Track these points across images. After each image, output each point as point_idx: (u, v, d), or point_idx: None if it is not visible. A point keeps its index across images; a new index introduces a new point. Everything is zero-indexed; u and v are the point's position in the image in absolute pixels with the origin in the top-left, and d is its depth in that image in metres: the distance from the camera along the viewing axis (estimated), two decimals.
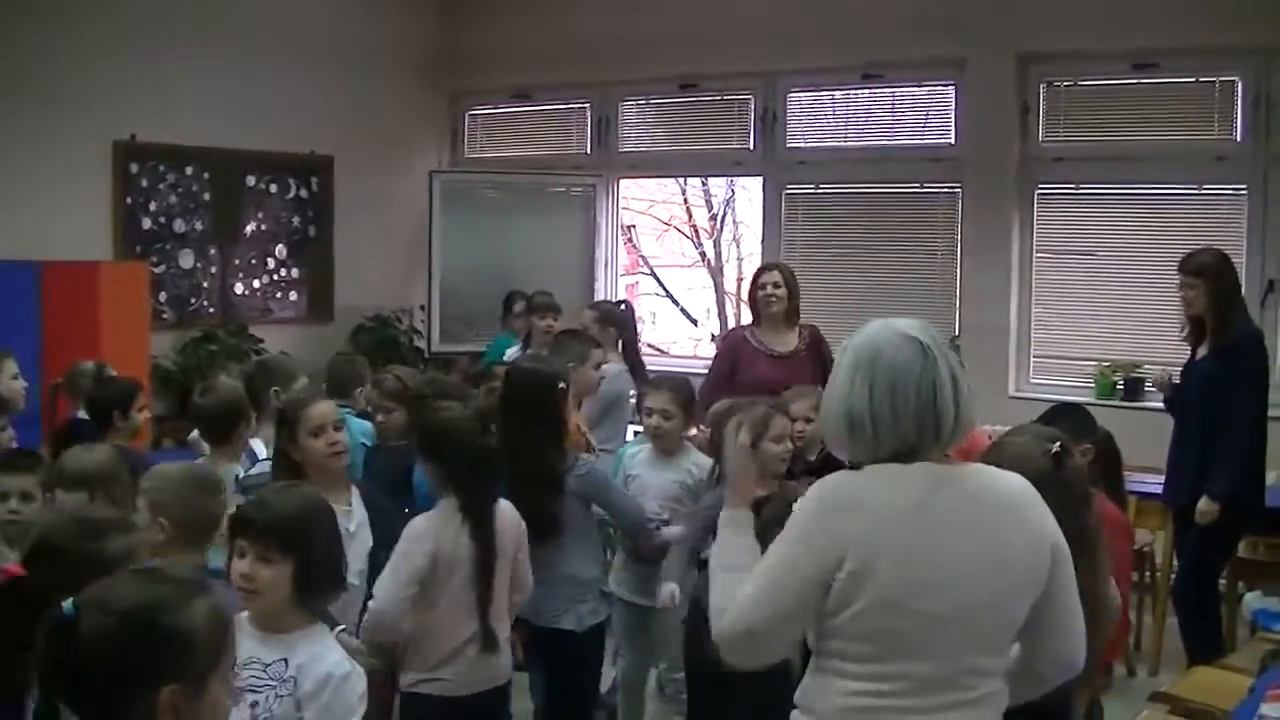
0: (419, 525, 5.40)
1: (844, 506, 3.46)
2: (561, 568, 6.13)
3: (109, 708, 2.59)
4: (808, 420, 6.56)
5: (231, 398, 6.86)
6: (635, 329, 10.02)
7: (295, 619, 4.06)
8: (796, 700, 3.59)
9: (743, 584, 3.51)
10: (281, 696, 3.97)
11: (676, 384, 7.21)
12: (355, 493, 5.79)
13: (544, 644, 6.24)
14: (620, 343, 9.29)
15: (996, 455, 4.15)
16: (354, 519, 5.64)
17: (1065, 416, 6.25)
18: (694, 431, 7.19)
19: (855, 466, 3.56)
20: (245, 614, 3.97)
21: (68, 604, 2.62)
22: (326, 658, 4.04)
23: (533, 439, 6.06)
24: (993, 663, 3.52)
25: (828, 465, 4.26)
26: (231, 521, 4.19)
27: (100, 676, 2.56)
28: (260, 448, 6.57)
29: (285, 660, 3.99)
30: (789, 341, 8.70)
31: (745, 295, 8.96)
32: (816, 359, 8.52)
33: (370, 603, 5.35)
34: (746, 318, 9.34)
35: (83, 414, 7.51)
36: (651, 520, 6.65)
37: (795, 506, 3.57)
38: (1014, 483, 3.61)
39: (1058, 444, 4.35)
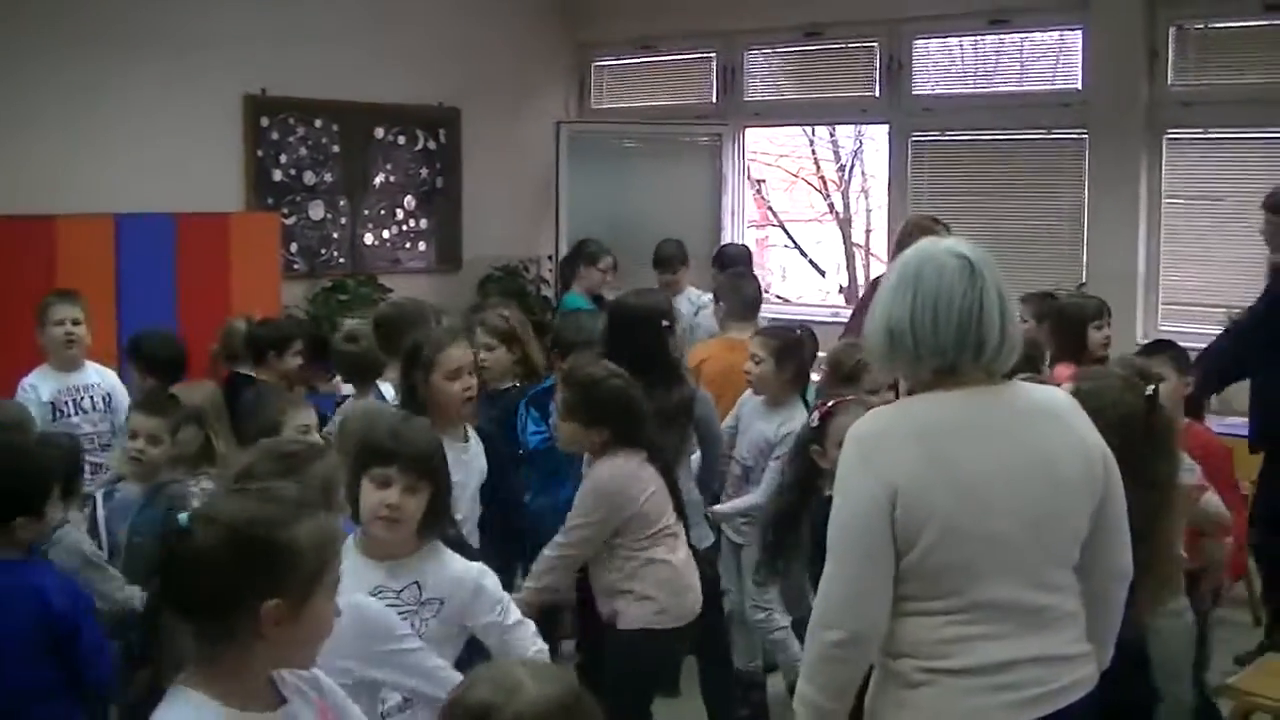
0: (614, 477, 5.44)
1: (881, 442, 3.44)
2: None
3: (215, 616, 2.73)
4: None
5: (372, 344, 6.94)
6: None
7: (414, 544, 4.14)
8: (882, 649, 3.51)
9: None
10: (427, 619, 4.05)
11: (768, 329, 7.12)
12: (473, 433, 5.81)
13: None
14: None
15: (1084, 395, 3.98)
16: (471, 454, 5.70)
17: (1163, 352, 6.19)
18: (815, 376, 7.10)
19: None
20: (350, 544, 3.95)
21: (183, 515, 2.80)
22: (451, 565, 4.17)
23: (639, 371, 5.89)
24: (1066, 577, 3.50)
25: None
26: (368, 453, 4.20)
27: (207, 586, 2.71)
28: (388, 390, 6.55)
29: (417, 584, 4.08)
30: None
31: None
32: None
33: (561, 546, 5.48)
34: (876, 269, 9.14)
35: (241, 369, 7.75)
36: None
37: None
38: (1053, 393, 3.64)
39: (1153, 386, 4.28)
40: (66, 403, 7.21)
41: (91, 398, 7.23)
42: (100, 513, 5.62)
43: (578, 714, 2.58)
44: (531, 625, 4.29)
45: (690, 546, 5.75)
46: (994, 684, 3.40)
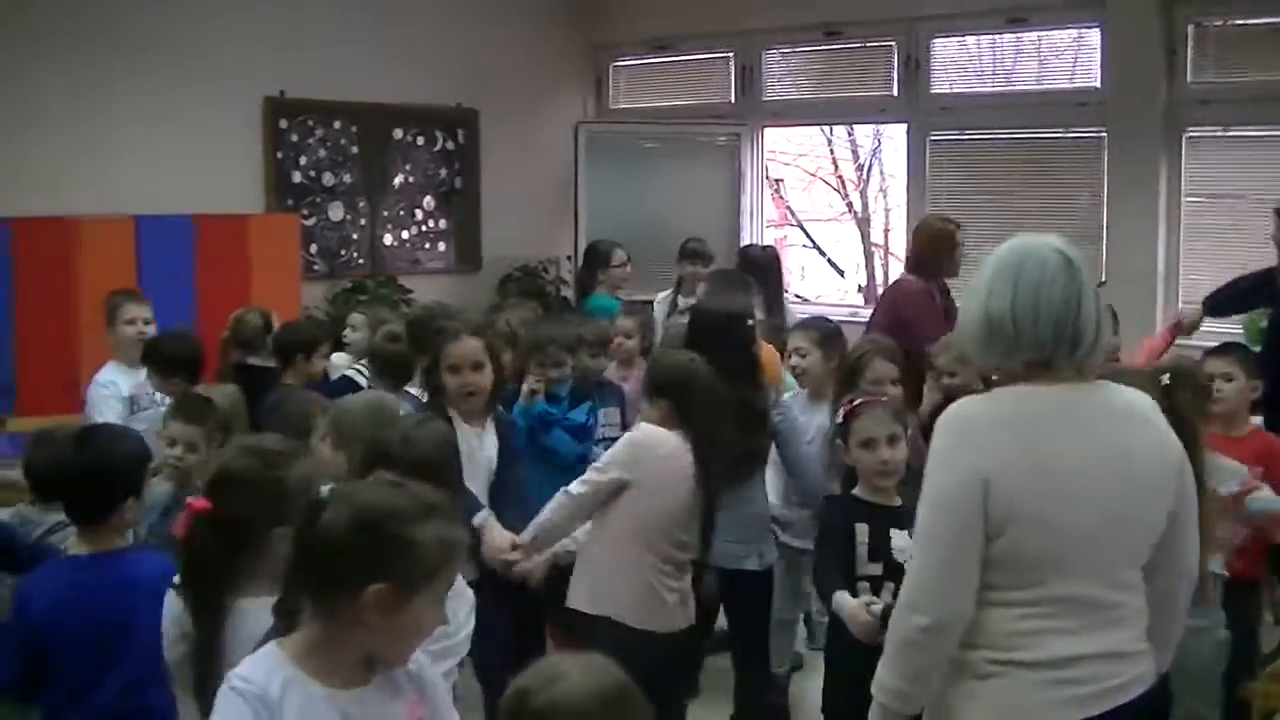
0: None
1: (978, 429, 3.46)
2: (745, 506, 6.09)
3: (323, 589, 2.88)
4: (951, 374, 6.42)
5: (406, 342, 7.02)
6: (779, 273, 9.83)
7: None
8: (960, 639, 3.52)
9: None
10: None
11: (812, 322, 7.08)
12: (490, 426, 5.91)
13: (724, 585, 6.13)
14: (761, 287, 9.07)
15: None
16: (482, 444, 5.82)
17: (1231, 353, 6.16)
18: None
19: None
20: None
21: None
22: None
23: (729, 373, 5.88)
24: (1136, 576, 3.52)
25: None
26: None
27: (323, 558, 2.86)
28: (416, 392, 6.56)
29: None
30: None
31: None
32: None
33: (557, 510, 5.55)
34: (895, 268, 9.09)
35: (251, 360, 7.79)
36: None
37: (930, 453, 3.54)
38: (1137, 395, 3.63)
39: (1167, 375, 4.32)
40: (144, 395, 7.26)
41: (153, 397, 7.19)
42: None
43: (619, 710, 2.58)
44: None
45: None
46: (1060, 678, 3.42)
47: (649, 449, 5.47)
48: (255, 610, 3.31)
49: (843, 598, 4.77)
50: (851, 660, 4.61)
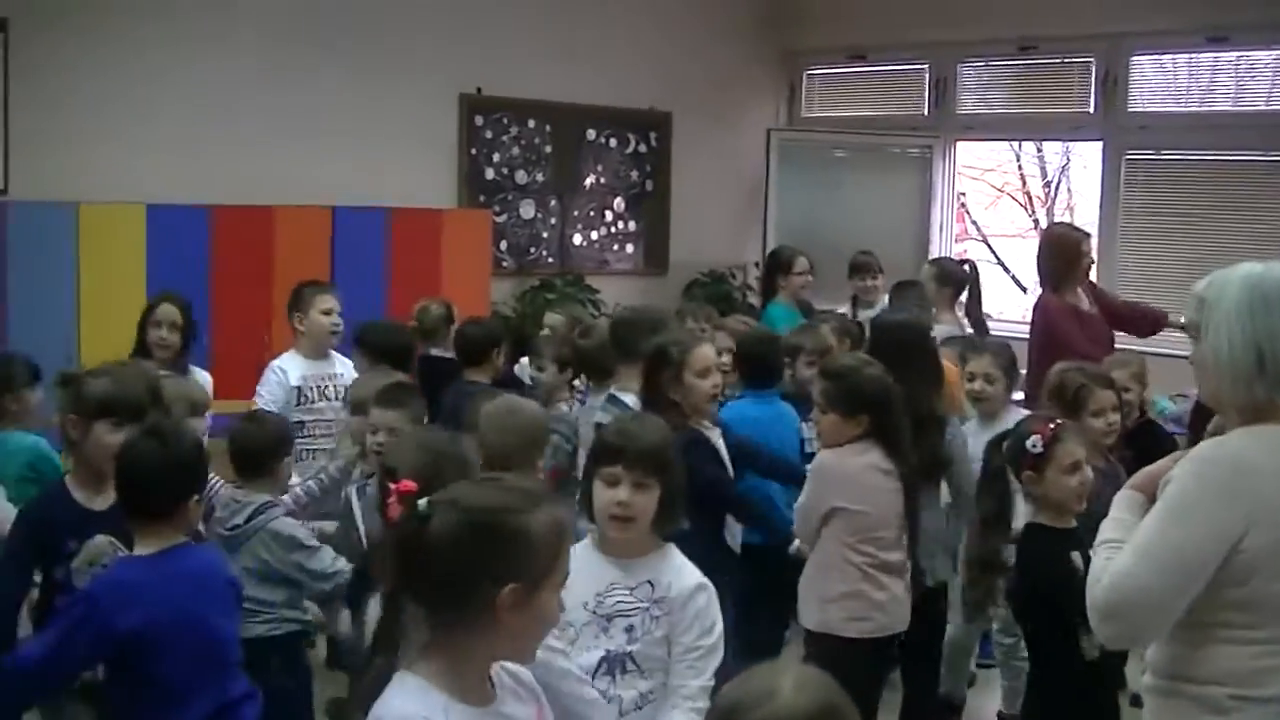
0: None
1: (1240, 474, 3.28)
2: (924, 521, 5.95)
3: (451, 601, 2.74)
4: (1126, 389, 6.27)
5: (608, 339, 6.98)
6: (979, 288, 9.53)
7: (650, 542, 4.08)
8: (1162, 671, 3.46)
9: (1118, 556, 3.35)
10: (656, 617, 3.99)
11: (998, 348, 6.94)
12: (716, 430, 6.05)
13: None
14: (959, 301, 9.05)
15: None
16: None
17: None
18: (1020, 396, 6.98)
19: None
20: (587, 542, 4.08)
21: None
22: (686, 571, 4.07)
23: (911, 385, 5.81)
24: None
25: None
26: (600, 451, 4.16)
27: (446, 570, 2.72)
28: (629, 398, 6.38)
29: (650, 582, 4.01)
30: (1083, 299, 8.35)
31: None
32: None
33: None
34: None
35: (434, 351, 7.86)
36: None
37: (1172, 477, 3.37)
38: None
39: None
40: (313, 388, 7.27)
41: (335, 386, 7.25)
42: (356, 507, 5.60)
43: None
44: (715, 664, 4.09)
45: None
46: None
47: (825, 473, 5.53)
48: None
49: None
50: None
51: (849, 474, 5.45)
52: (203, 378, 6.88)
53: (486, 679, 2.86)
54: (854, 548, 5.43)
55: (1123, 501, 3.56)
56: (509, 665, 2.94)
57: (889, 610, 5.51)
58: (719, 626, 4.06)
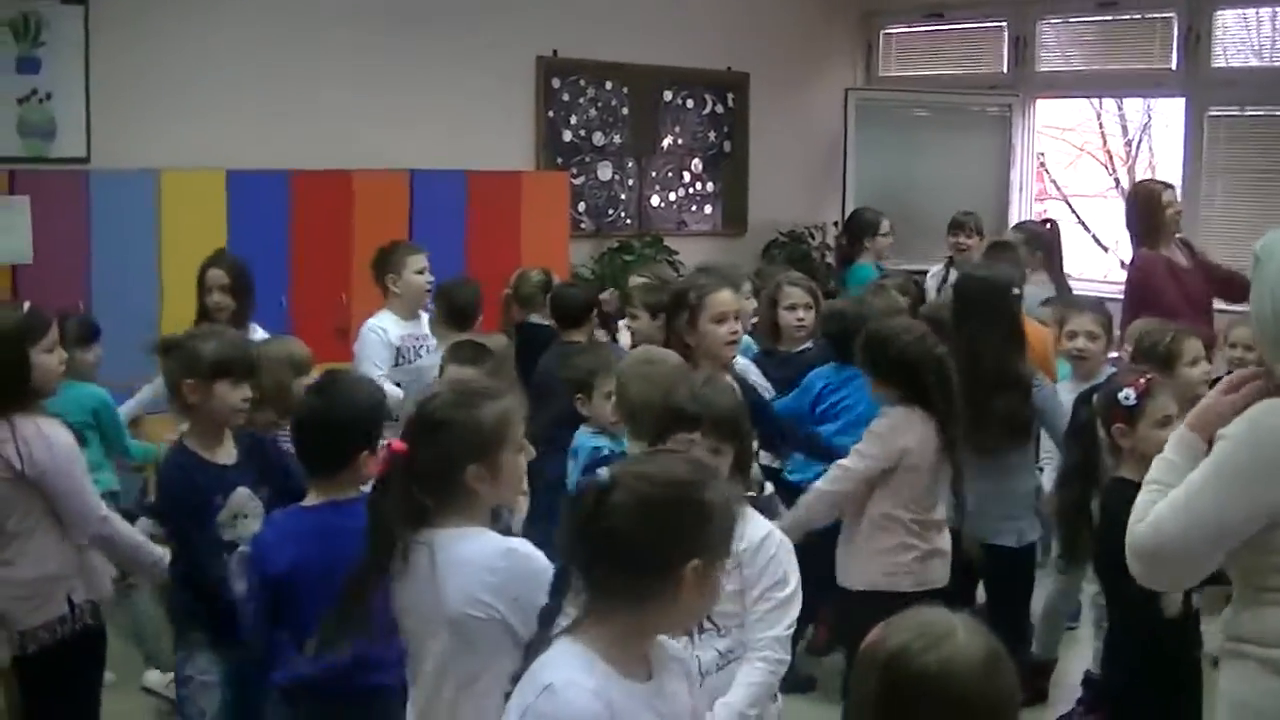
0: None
1: None
2: (1006, 480, 5.96)
3: (633, 573, 2.66)
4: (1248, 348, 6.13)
5: None
6: (1060, 250, 9.49)
7: None
8: (1230, 633, 3.45)
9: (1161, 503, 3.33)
10: (728, 571, 3.84)
11: (1097, 305, 6.94)
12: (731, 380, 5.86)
13: (980, 559, 5.97)
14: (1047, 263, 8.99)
15: None
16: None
17: None
18: (1115, 354, 6.91)
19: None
20: None
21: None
22: (756, 522, 4.02)
23: (993, 343, 5.87)
24: None
25: None
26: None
27: (629, 542, 2.65)
28: None
29: None
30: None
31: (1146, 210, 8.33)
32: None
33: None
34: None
35: (535, 318, 7.80)
36: None
37: (1224, 436, 3.31)
38: None
39: None
40: (409, 348, 7.39)
41: (426, 346, 7.33)
42: None
43: (1007, 670, 2.38)
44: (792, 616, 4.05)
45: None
46: None
47: (882, 437, 5.43)
48: (455, 537, 3.38)
49: None
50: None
51: (901, 434, 5.38)
52: (260, 336, 6.84)
53: (644, 656, 2.79)
54: (904, 506, 5.38)
55: (1178, 442, 3.49)
56: (661, 638, 2.88)
57: (933, 566, 5.46)
58: (795, 578, 4.01)
